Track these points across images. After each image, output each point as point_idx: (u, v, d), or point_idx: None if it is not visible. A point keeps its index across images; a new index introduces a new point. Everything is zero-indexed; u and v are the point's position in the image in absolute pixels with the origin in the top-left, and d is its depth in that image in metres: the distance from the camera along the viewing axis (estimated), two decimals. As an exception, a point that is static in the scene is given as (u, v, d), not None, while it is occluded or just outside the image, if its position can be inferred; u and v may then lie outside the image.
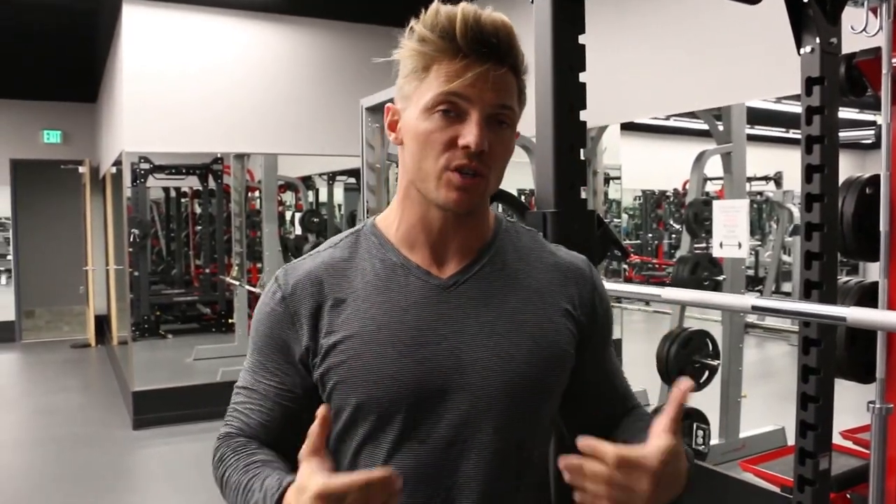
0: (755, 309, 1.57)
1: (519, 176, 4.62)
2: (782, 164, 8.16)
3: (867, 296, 2.41)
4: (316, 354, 1.03)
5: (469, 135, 0.95)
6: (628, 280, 8.48)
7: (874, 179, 2.32)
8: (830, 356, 1.93)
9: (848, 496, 2.53)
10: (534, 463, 1.08)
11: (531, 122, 1.70)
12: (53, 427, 5.65)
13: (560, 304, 1.08)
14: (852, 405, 2.47)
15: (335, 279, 1.05)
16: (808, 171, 1.90)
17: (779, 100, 6.23)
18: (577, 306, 1.09)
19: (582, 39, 1.68)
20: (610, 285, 1.74)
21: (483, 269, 1.06)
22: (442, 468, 1.01)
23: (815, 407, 1.90)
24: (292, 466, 1.08)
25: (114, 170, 6.99)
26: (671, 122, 8.09)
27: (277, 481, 0.92)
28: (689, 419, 4.17)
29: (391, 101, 1.07)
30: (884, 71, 2.08)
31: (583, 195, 1.58)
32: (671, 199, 10.57)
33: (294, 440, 1.06)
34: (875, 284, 2.27)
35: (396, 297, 1.03)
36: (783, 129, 9.16)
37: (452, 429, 1.01)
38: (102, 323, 9.08)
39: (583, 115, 1.64)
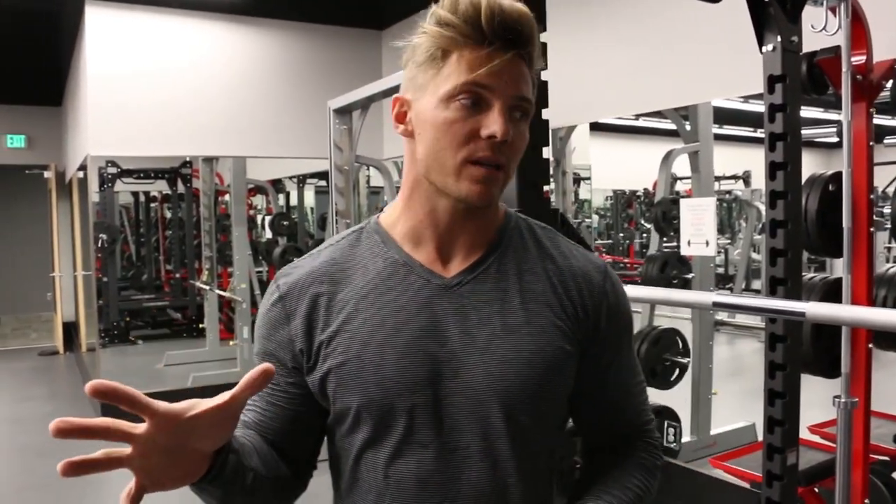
0: (716, 305, 1.58)
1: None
2: (750, 163, 8.25)
3: (831, 292, 2.44)
4: (311, 356, 1.00)
5: (494, 125, 0.92)
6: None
7: (837, 176, 2.35)
8: (796, 352, 1.95)
9: (815, 490, 2.56)
10: (539, 470, 1.04)
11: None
12: (20, 435, 5.55)
13: (563, 309, 1.03)
14: (820, 399, 2.50)
15: (334, 279, 1.02)
16: (772, 169, 1.91)
17: (746, 99, 6.29)
18: (579, 313, 1.04)
19: (545, 38, 1.68)
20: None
21: (488, 269, 1.02)
22: (445, 475, 0.98)
23: (782, 403, 1.92)
24: (293, 461, 1.06)
25: (80, 174, 6.89)
26: (640, 122, 8.14)
27: None
28: (660, 417, 4.19)
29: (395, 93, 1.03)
30: (843, 69, 2.11)
31: (546, 194, 1.58)
32: (641, 198, 10.64)
33: (295, 437, 1.05)
34: (839, 280, 2.30)
35: (398, 297, 1.00)
36: (751, 129, 9.26)
37: (453, 434, 0.98)
38: (71, 330, 8.94)
39: (546, 114, 1.63)
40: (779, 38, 1.85)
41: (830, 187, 2.37)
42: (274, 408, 1.03)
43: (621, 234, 10.96)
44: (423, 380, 0.97)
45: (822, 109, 7.97)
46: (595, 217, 10.38)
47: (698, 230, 3.16)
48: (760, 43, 1.90)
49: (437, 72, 0.95)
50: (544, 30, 1.66)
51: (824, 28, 2.06)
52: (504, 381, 0.97)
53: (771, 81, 1.90)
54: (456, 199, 0.98)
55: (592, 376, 1.07)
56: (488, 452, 0.98)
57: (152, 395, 0.93)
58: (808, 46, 2.04)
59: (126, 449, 0.77)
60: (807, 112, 1.96)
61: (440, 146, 0.95)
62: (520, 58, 0.94)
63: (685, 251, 3.48)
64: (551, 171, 4.86)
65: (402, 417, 0.97)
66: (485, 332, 0.99)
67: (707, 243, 3.12)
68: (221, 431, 0.84)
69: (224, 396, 0.81)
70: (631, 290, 1.71)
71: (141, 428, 0.77)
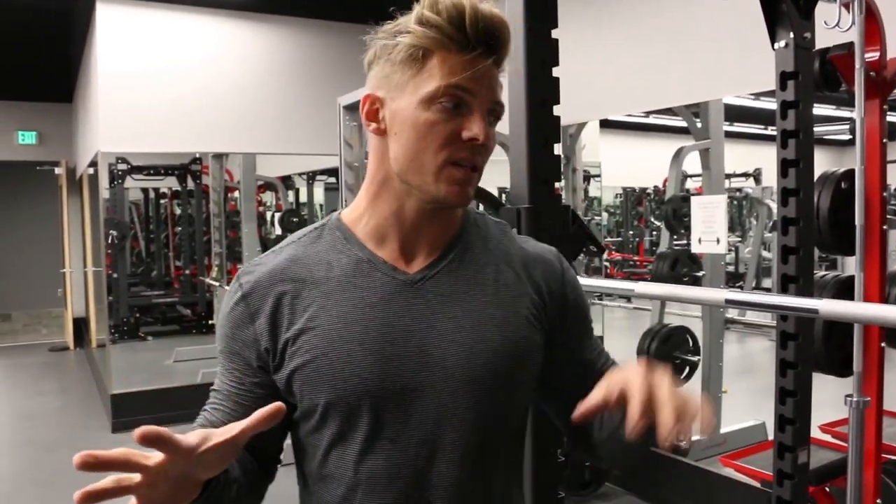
0: (729, 303, 1.56)
1: (498, 175, 4.61)
2: (761, 161, 8.22)
3: (844, 290, 2.43)
4: (277, 355, 1.00)
5: (475, 127, 0.95)
6: (609, 277, 8.50)
7: (849, 174, 2.33)
8: (808, 350, 1.93)
9: (826, 489, 2.55)
10: (506, 459, 1.06)
11: (504, 117, 1.68)
12: (30, 430, 5.58)
13: (528, 298, 1.06)
14: (831, 399, 2.48)
15: (298, 276, 1.02)
16: (784, 166, 1.90)
17: (757, 97, 6.26)
18: (546, 299, 1.07)
19: (556, 34, 1.67)
20: (585, 281, 1.73)
21: (451, 264, 1.04)
22: (414, 468, 0.99)
23: (793, 401, 1.91)
24: (259, 461, 1.06)
25: (91, 171, 6.92)
26: (651, 120, 8.13)
27: None
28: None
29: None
30: (857, 66, 2.09)
31: (558, 191, 1.57)
32: (651, 196, 10.62)
33: (264, 435, 1.04)
34: (851, 278, 2.28)
35: (363, 294, 1.00)
36: (762, 126, 9.22)
37: (422, 427, 0.98)
38: (81, 325, 8.98)
39: (557, 110, 1.63)
40: (791, 35, 1.84)
41: (843, 185, 2.35)
42: (241, 408, 1.02)
43: (631, 232, 10.94)
44: (391, 376, 0.97)
45: (833, 107, 7.93)
46: (605, 215, 10.36)
47: (709, 228, 3.15)
48: (773, 39, 1.89)
49: (416, 72, 0.96)
50: (556, 26, 1.65)
51: (837, 24, 2.05)
52: (471, 372, 0.99)
53: (783, 78, 1.88)
54: (433, 199, 0.99)
55: (566, 354, 1.10)
56: (457, 444, 0.99)
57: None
58: (820, 43, 2.03)
59: (135, 477, 0.78)
60: (818, 110, 1.94)
61: (420, 147, 0.96)
62: (498, 62, 0.97)
63: (696, 249, 3.47)
64: (561, 168, 4.83)
65: (370, 413, 0.98)
66: (450, 325, 1.00)
67: (718, 241, 3.11)
68: (224, 461, 0.85)
69: (233, 430, 0.81)
70: (643, 288, 1.71)
71: (154, 460, 0.78)
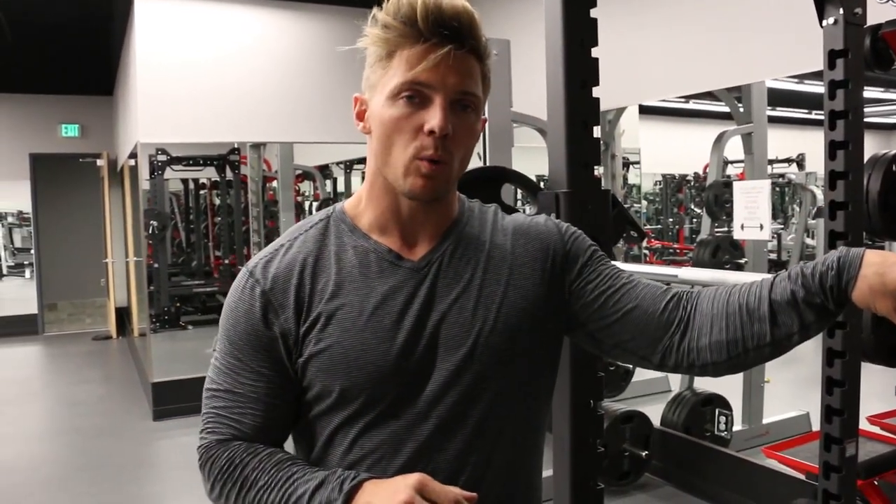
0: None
1: (531, 163, 4.56)
2: (805, 146, 8.04)
3: (894, 276, 2.34)
4: (298, 343, 1.03)
5: (433, 119, 0.97)
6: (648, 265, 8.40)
7: (901, 156, 2.25)
8: (856, 339, 1.87)
9: (875, 483, 2.48)
10: (513, 436, 1.08)
11: (541, 100, 1.65)
12: (76, 418, 5.70)
13: (530, 268, 1.09)
14: (878, 390, 2.41)
15: (312, 268, 1.05)
16: (832, 148, 1.84)
17: (801, 80, 6.11)
18: (550, 261, 1.10)
19: (595, 14, 1.63)
20: (626, 266, 1.69)
21: (451, 248, 1.08)
22: (417, 442, 1.02)
23: (840, 391, 1.85)
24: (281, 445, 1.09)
25: (132, 162, 7.01)
26: (691, 105, 7.98)
27: (345, 475, 0.95)
28: (711, 405, 4.11)
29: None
30: (911, 42, 2.01)
31: (597, 174, 1.54)
32: (692, 183, 10.46)
33: (289, 427, 1.09)
34: (902, 265, 2.20)
35: (372, 283, 1.04)
36: (805, 111, 9.02)
37: (425, 404, 1.02)
38: (123, 315, 9.13)
39: (596, 92, 1.59)
40: (841, 11, 1.77)
41: (894, 168, 2.27)
42: (271, 410, 1.05)
43: (671, 220, 10.78)
44: (402, 362, 1.01)
45: (881, 89, 7.73)
46: (644, 202, 10.24)
47: (752, 213, 3.07)
48: (821, 16, 1.82)
49: (384, 72, 1.00)
50: (594, 5, 1.61)
51: None
52: (469, 351, 1.03)
53: (832, 56, 1.81)
54: (403, 193, 1.02)
55: (603, 287, 1.10)
56: (454, 420, 1.03)
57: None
58: (872, 19, 1.95)
59: None
60: (868, 92, 1.87)
61: (389, 143, 1.00)
62: (463, 52, 0.98)
63: (738, 235, 3.40)
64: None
65: (383, 397, 1.01)
66: (455, 307, 1.04)
67: (761, 227, 3.03)
68: None
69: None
70: (686, 273, 1.66)
71: None
